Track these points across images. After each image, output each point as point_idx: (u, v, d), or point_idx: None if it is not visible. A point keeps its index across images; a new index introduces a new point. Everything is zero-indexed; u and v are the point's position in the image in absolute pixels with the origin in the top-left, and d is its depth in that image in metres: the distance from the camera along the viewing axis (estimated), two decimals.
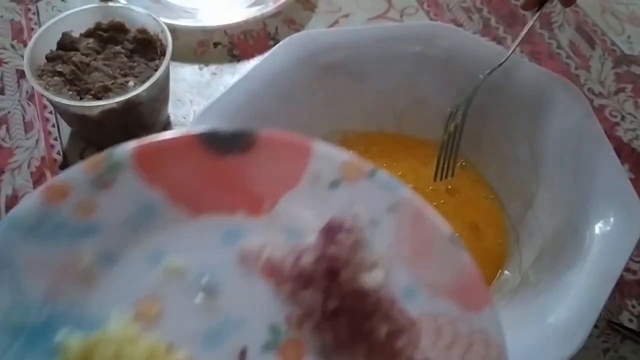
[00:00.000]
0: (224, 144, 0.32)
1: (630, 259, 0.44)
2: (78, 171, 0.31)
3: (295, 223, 0.31)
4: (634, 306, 0.46)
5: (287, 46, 0.49)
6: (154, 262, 0.30)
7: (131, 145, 0.32)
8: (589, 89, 0.59)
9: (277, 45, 0.49)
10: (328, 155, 0.32)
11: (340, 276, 0.28)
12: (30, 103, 0.56)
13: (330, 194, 0.32)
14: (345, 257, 0.29)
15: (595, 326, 0.37)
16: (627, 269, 0.48)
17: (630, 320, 0.46)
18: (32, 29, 0.61)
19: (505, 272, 0.45)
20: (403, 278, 0.30)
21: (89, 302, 0.29)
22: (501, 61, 0.47)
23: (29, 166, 0.52)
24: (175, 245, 0.31)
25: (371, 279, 0.28)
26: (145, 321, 0.29)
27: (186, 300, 0.29)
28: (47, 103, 0.55)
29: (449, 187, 0.50)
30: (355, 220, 0.30)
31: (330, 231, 0.29)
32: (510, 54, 0.47)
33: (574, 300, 0.38)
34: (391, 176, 0.32)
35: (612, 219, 0.41)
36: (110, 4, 0.54)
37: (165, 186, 0.32)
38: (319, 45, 0.50)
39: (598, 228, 0.41)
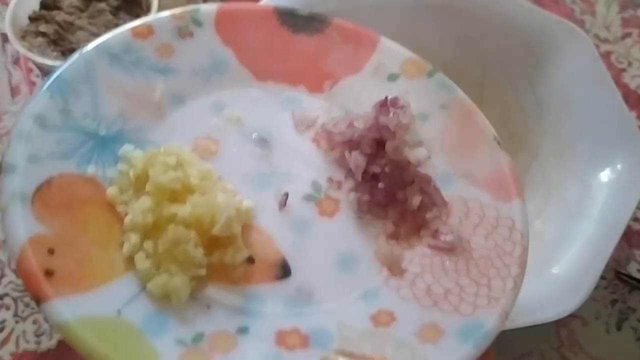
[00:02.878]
0: (298, 22, 0.35)
1: (638, 208, 0.42)
2: (164, 18, 0.35)
3: (350, 105, 0.34)
4: None
5: None
6: (217, 110, 0.33)
7: (215, 5, 0.35)
8: (594, 34, 0.57)
9: None
10: (392, 51, 0.35)
11: (386, 146, 0.31)
12: (16, 67, 0.54)
13: (388, 85, 0.35)
14: (394, 129, 0.31)
15: (603, 277, 0.36)
16: (635, 219, 0.47)
17: (639, 271, 0.45)
18: None
19: None
20: (443, 164, 0.33)
21: (154, 130, 0.32)
22: None
23: None
24: (238, 101, 0.34)
25: (414, 154, 0.31)
26: (200, 156, 0.31)
27: (240, 147, 0.32)
28: (33, 66, 0.53)
29: None
30: (408, 106, 0.33)
31: (385, 105, 0.32)
32: None
33: (579, 250, 0.37)
34: (448, 79, 0.34)
35: (619, 167, 0.40)
36: None
37: (239, 49, 0.35)
38: None
39: (604, 177, 0.40)
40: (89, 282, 0.26)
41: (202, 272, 0.27)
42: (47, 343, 0.42)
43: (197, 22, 0.35)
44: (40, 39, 0.46)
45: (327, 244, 0.30)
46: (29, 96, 0.52)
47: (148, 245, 0.27)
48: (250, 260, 0.29)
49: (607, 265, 0.36)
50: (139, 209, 0.28)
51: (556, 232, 0.39)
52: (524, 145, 0.46)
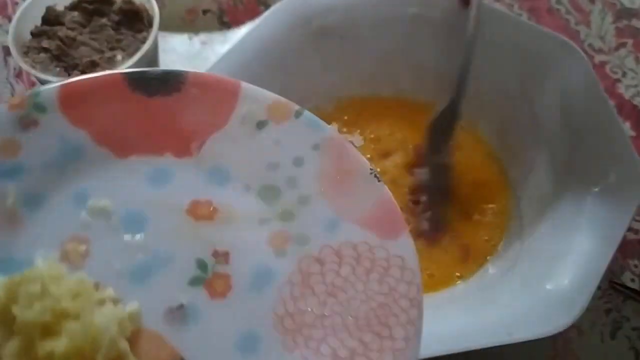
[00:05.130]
0: (151, 85, 0.33)
1: (632, 218, 0.43)
2: (1, 110, 0.31)
3: (222, 165, 0.32)
4: (635, 266, 0.46)
5: (279, 11, 0.48)
6: (80, 203, 0.30)
7: (57, 84, 0.32)
8: (589, 44, 0.57)
9: (268, 11, 0.48)
10: (256, 97, 0.33)
11: None
12: (18, 80, 0.54)
13: (258, 134, 0.33)
14: None
15: (598, 287, 0.37)
16: (629, 229, 0.47)
17: (632, 280, 0.46)
18: (17, 4, 0.59)
19: (507, 238, 0.45)
20: (326, 212, 0.31)
21: (14, 244, 0.29)
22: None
23: None
24: (102, 187, 0.31)
25: None
26: (71, 262, 0.29)
27: (112, 240, 0.30)
28: (35, 80, 0.54)
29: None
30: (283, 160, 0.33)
31: None
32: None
33: (574, 265, 0.37)
34: (316, 117, 0.33)
35: (613, 181, 0.41)
36: None
37: (92, 127, 0.32)
38: (312, 8, 0.48)
39: (599, 191, 0.41)
40: None
41: None
42: None
43: (40, 108, 0.31)
44: (42, 55, 0.47)
45: (224, 328, 0.28)
46: None
47: None
48: None
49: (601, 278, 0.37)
50: (8, 355, 0.25)
51: (551, 247, 0.40)
52: (520, 158, 0.46)
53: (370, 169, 0.32)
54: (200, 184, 0.32)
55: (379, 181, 0.31)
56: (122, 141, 0.32)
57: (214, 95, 0.33)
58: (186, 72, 0.33)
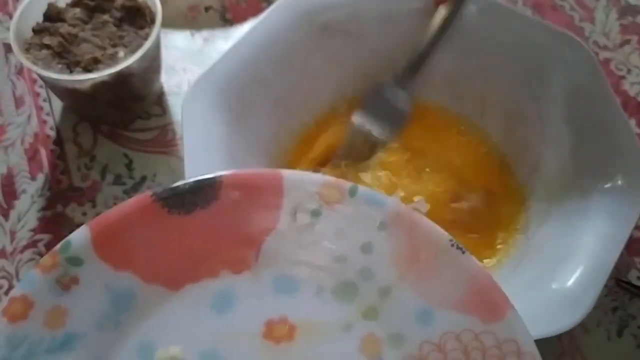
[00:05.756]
0: (185, 200, 0.29)
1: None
2: (36, 277, 0.28)
3: (286, 270, 0.29)
4: None
5: (282, 7, 0.47)
6: (147, 357, 0.27)
7: (86, 229, 0.28)
8: (594, 41, 0.57)
9: (271, 7, 0.47)
10: (302, 183, 0.30)
11: None
12: (20, 77, 0.54)
13: (315, 226, 0.30)
14: None
15: (604, 285, 0.37)
16: (635, 227, 0.47)
17: (639, 278, 0.45)
18: (18, 0, 0.59)
19: (513, 236, 0.44)
20: (413, 301, 0.28)
21: None
22: None
23: (22, 143, 0.51)
24: (165, 331, 0.28)
25: None
26: None
27: None
28: (37, 77, 0.54)
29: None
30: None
31: None
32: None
33: (581, 264, 0.37)
34: (373, 190, 0.29)
35: (619, 178, 0.41)
36: None
37: (136, 266, 0.29)
38: (316, 4, 0.48)
39: (606, 189, 0.40)
40: None
41: None
42: None
43: (75, 261, 0.28)
44: (44, 52, 0.46)
45: None
46: (32, 107, 0.52)
47: None
48: None
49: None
50: None
51: (557, 245, 0.39)
52: (525, 156, 0.46)
53: (450, 240, 0.28)
54: (268, 299, 0.28)
55: (463, 252, 0.28)
56: (172, 272, 0.29)
57: (256, 193, 0.30)
58: (220, 176, 0.30)
